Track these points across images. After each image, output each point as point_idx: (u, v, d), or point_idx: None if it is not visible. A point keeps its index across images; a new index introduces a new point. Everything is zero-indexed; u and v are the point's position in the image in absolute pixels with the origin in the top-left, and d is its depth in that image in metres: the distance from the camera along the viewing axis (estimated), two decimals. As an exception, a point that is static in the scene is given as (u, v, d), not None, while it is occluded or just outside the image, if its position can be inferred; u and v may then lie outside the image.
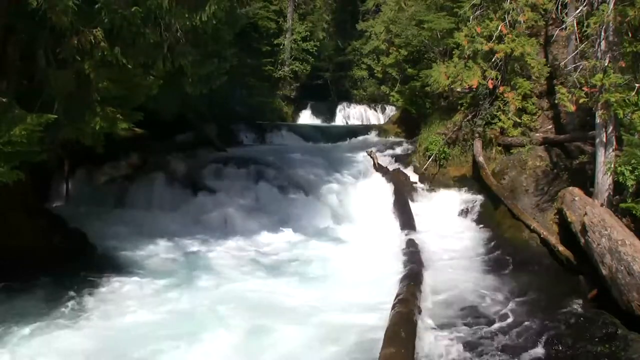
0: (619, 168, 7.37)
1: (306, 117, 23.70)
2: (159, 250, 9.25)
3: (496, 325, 6.54)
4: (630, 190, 7.40)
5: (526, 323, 6.51)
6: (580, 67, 8.28)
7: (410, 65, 17.15)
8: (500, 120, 12.16)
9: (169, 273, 8.22)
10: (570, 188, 8.61)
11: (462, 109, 13.24)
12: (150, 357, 5.71)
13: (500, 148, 12.16)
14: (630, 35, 7.53)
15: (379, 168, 13.48)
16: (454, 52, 13.06)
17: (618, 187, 7.82)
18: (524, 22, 11.52)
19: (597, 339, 5.95)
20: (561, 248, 8.46)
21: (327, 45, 24.68)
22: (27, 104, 6.53)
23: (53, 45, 6.86)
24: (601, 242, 6.76)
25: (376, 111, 23.70)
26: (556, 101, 9.90)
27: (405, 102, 17.34)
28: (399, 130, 19.03)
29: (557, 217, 8.93)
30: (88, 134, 7.49)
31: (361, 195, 12.16)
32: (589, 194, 8.28)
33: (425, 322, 6.51)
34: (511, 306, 7.08)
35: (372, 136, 19.34)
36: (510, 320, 6.66)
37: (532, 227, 9.20)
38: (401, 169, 13.58)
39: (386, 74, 19.85)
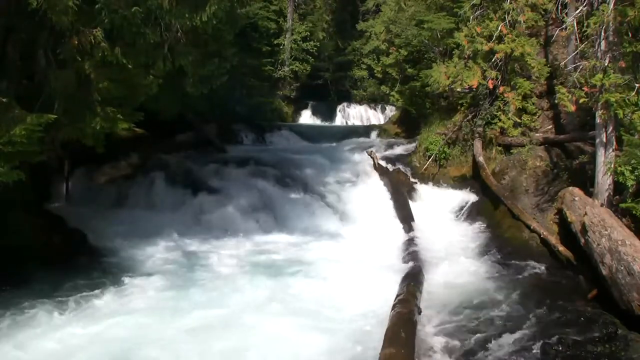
0: (619, 168, 7.38)
1: (306, 117, 23.70)
2: (159, 250, 9.25)
3: (496, 325, 6.53)
4: (630, 190, 7.41)
5: (526, 323, 6.51)
6: (580, 67, 8.29)
7: (410, 65, 17.15)
8: (500, 120, 12.17)
9: (169, 273, 8.20)
10: (570, 188, 8.62)
11: (462, 109, 13.25)
12: (146, 358, 5.70)
13: (500, 148, 12.17)
14: (630, 35, 7.53)
15: (379, 168, 13.48)
16: (454, 52, 13.07)
17: (618, 187, 7.83)
18: (524, 22, 11.54)
19: (597, 339, 5.95)
20: (561, 248, 8.46)
21: (327, 45, 24.66)
22: (27, 104, 6.54)
23: (53, 45, 6.86)
24: (601, 242, 6.77)
25: (376, 111, 23.69)
26: (556, 101, 9.90)
27: (405, 102, 17.33)
28: (399, 130, 19.02)
29: (557, 217, 8.94)
30: (88, 134, 7.48)
31: (361, 195, 12.17)
32: (589, 194, 8.29)
33: (424, 321, 6.51)
34: (511, 306, 7.07)
35: (372, 136, 19.35)
36: (509, 320, 6.66)
37: (532, 227, 9.20)
38: (401, 169, 13.58)
39: (386, 74, 19.82)
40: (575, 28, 8.70)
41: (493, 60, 11.87)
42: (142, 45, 7.42)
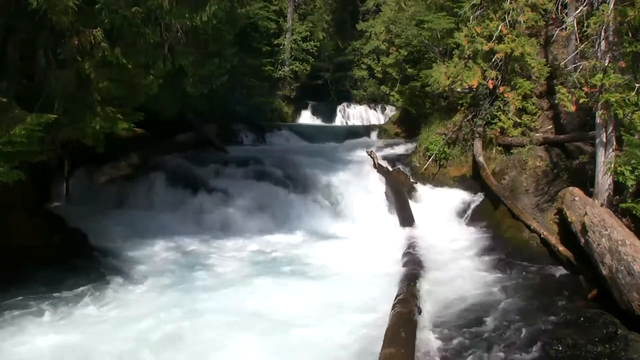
0: (619, 168, 7.37)
1: (306, 117, 23.72)
2: (159, 250, 9.25)
3: (496, 325, 6.53)
4: (630, 190, 7.41)
5: (526, 323, 6.51)
6: (580, 67, 8.28)
7: (410, 65, 17.15)
8: (500, 120, 12.16)
9: (166, 275, 8.17)
10: (570, 188, 8.61)
11: (462, 109, 13.24)
12: (144, 357, 5.70)
13: (500, 148, 12.16)
14: (630, 35, 7.53)
15: (379, 168, 13.48)
16: (454, 52, 13.07)
17: (618, 187, 7.82)
18: (524, 22, 11.53)
19: (597, 339, 5.95)
20: (561, 248, 8.46)
21: (327, 45, 24.65)
22: (27, 104, 6.54)
23: (53, 45, 6.87)
24: (601, 242, 6.76)
25: (376, 111, 23.71)
26: (556, 101, 9.90)
27: (405, 102, 17.33)
28: (399, 130, 19.03)
29: (557, 217, 8.93)
30: (88, 134, 7.49)
31: (361, 195, 12.16)
32: (589, 194, 8.28)
33: (424, 322, 6.51)
34: (511, 306, 7.07)
35: (372, 136, 19.37)
36: (510, 320, 6.65)
37: (532, 227, 9.20)
38: (401, 169, 13.58)
39: (386, 74, 19.83)
40: (575, 28, 8.69)
41: (493, 60, 11.86)
42: (142, 45, 7.43)
